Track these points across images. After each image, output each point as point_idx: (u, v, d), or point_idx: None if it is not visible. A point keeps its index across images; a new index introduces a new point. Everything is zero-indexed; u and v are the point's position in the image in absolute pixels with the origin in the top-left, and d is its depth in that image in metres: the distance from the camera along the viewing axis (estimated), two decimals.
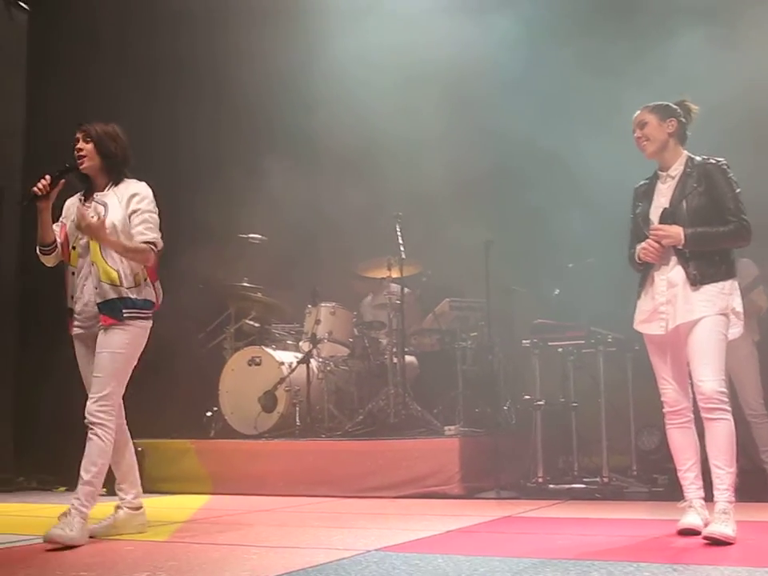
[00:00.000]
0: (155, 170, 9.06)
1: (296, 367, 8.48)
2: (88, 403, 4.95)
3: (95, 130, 5.17)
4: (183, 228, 9.10)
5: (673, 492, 5.25)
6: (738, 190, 4.69)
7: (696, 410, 4.67)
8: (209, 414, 8.84)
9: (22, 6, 9.36)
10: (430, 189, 8.70)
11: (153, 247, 5.07)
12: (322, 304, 8.95)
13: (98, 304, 5.00)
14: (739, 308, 4.68)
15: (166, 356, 9.12)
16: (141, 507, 5.29)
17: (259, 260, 9.27)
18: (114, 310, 4.98)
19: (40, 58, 9.37)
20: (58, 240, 5.21)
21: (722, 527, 4.34)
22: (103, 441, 4.91)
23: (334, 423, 8.42)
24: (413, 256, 8.56)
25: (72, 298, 5.16)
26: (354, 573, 3.68)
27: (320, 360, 8.68)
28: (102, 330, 5.00)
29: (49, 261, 5.25)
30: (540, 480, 7.17)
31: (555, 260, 8.11)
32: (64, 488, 8.63)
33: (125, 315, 4.98)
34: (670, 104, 4.94)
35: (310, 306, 9.05)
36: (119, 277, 5.01)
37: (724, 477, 4.49)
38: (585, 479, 7.15)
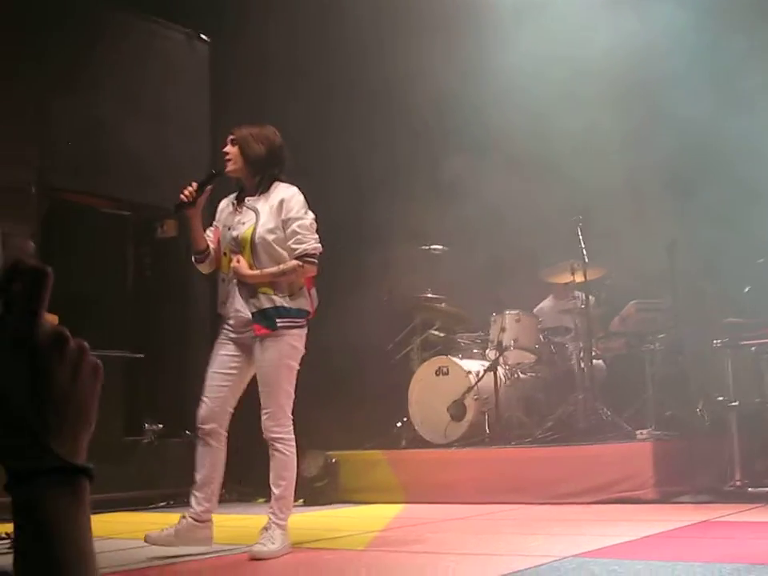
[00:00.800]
0: (335, 190, 9.36)
1: (483, 376, 8.51)
2: (263, 419, 5.01)
3: (241, 132, 5.12)
4: (367, 241, 9.30)
5: None
6: None
7: None
8: (399, 424, 8.96)
9: (202, 38, 9.74)
10: (609, 188, 8.57)
11: (308, 259, 5.00)
12: (507, 311, 8.93)
13: (252, 313, 4.98)
14: None
15: (355, 368, 9.34)
16: (208, 521, 5.07)
17: (442, 270, 9.34)
18: (268, 319, 4.94)
19: (221, 88, 9.72)
20: (211, 246, 5.20)
21: None
22: (285, 454, 4.97)
23: (524, 430, 8.41)
24: (596, 259, 8.47)
25: (224, 304, 5.14)
26: None
27: (507, 367, 8.69)
28: (257, 341, 4.98)
29: (204, 268, 5.26)
30: (738, 483, 6.95)
31: (744, 256, 7.87)
32: (263, 499, 8.88)
33: (279, 325, 4.94)
34: None
35: (494, 314, 9.06)
36: (274, 287, 4.98)
37: None
38: None
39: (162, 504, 8.45)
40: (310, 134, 9.78)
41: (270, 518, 4.95)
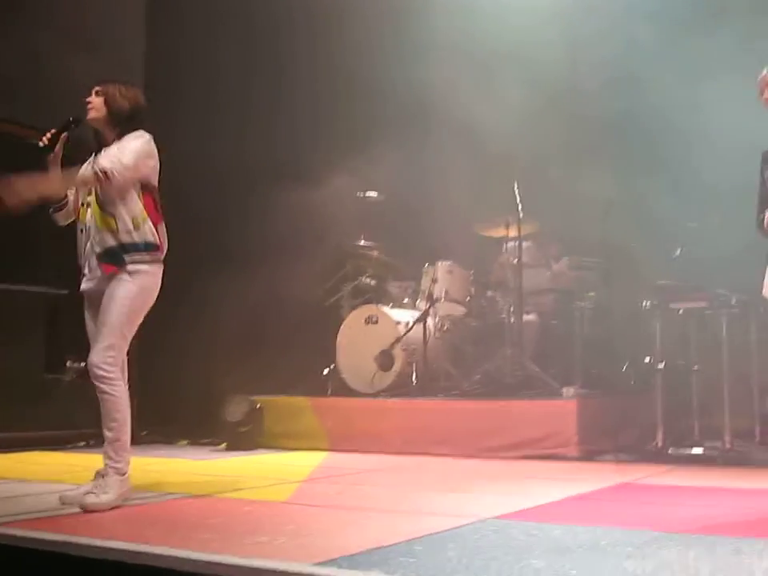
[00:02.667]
0: (274, 132, 9.17)
1: (413, 326, 8.48)
2: (90, 355, 4.87)
3: (107, 86, 5.11)
4: (301, 186, 9.15)
5: None
6: None
7: None
8: (326, 371, 8.92)
9: None
10: (548, 145, 8.54)
11: (99, 172, 4.79)
12: (439, 263, 8.91)
13: (98, 254, 4.93)
14: None
15: (284, 313, 9.25)
16: (125, 474, 4.88)
17: (376, 218, 9.26)
18: (114, 257, 4.89)
19: (157, 24, 9.49)
20: (70, 197, 5.16)
21: None
22: (112, 394, 4.82)
23: (451, 382, 8.42)
24: (531, 214, 8.44)
25: (82, 255, 5.08)
26: (472, 541, 3.67)
27: (437, 319, 8.66)
28: (105, 281, 4.90)
29: (60, 218, 5.19)
30: (659, 444, 7.04)
31: (676, 220, 7.89)
32: (186, 441, 8.84)
33: (126, 261, 4.88)
34: None
35: (426, 264, 9.03)
36: (116, 222, 4.90)
37: None
38: (706, 444, 6.99)
39: (81, 444, 8.35)
40: (246, 71, 9.60)
41: (106, 464, 4.81)
